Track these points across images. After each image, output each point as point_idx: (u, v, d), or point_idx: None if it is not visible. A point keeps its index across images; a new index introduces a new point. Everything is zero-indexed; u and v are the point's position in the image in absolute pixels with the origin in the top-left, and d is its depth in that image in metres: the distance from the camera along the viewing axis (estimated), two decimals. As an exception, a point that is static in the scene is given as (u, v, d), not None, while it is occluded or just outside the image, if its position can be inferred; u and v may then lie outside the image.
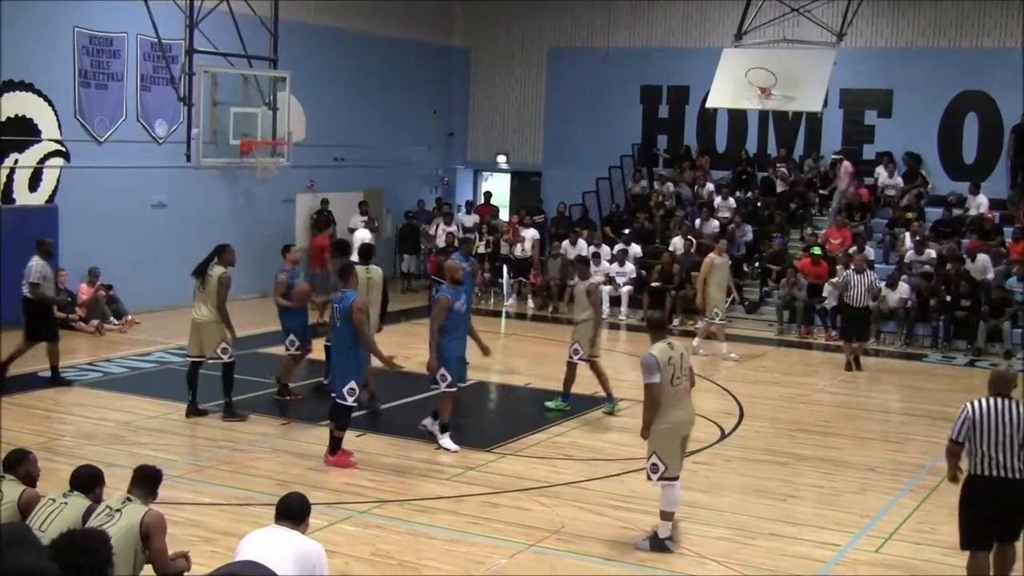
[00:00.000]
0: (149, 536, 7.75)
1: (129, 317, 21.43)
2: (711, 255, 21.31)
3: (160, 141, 23.25)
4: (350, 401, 13.04)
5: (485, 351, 15.02)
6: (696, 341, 21.00)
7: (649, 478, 10.82)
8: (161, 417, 15.16)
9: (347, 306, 13.04)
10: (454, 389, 13.84)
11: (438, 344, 13.62)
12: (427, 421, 14.28)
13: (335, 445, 13.17)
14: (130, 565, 7.70)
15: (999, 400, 9.44)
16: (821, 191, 27.63)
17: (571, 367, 16.25)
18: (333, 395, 13.29)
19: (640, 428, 10.89)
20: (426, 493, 12.28)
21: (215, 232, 22.63)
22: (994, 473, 9.27)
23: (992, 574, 9.62)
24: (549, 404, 16.39)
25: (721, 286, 21.10)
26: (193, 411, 15.15)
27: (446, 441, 13.95)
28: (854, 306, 20.16)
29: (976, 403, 9.44)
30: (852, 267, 20.72)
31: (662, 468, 10.67)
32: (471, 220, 29.12)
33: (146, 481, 8.11)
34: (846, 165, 26.89)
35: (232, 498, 11.89)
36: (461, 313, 13.97)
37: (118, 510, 7.76)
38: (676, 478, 10.85)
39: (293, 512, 7.54)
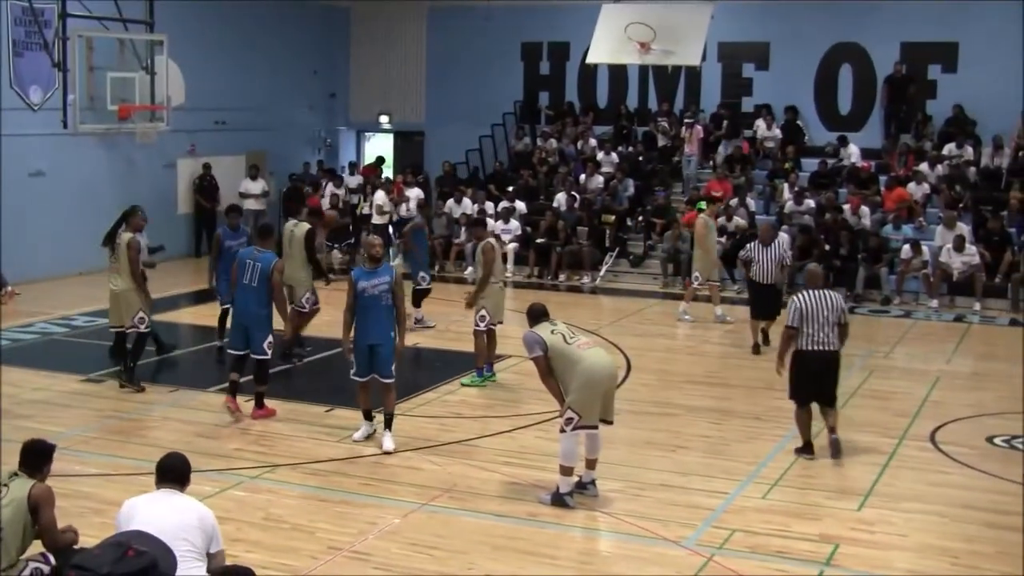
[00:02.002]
0: (37, 509, 7.68)
1: (9, 288, 20.97)
2: (702, 217, 20.27)
3: (35, 108, 22.67)
4: (270, 354, 13.61)
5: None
6: (683, 306, 20.42)
7: (563, 431, 10.76)
8: (46, 389, 14.90)
9: (268, 267, 13.40)
10: (359, 379, 12.63)
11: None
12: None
13: (260, 400, 13.65)
14: (19, 538, 7.64)
15: (816, 292, 12.36)
16: (675, 158, 27.81)
17: (477, 336, 15.41)
18: (244, 352, 13.54)
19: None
20: (317, 456, 12.26)
21: (96, 199, 22.31)
22: (816, 348, 12.19)
23: (828, 427, 12.49)
24: (464, 381, 15.53)
25: (712, 248, 20.18)
26: (127, 381, 14.83)
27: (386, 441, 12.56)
28: (761, 283, 17.67)
29: (801, 296, 12.34)
30: (757, 239, 18.17)
31: (576, 418, 10.67)
32: (355, 181, 28.98)
33: (35, 456, 8.00)
34: (697, 129, 27.09)
35: (122, 468, 11.76)
36: (371, 296, 12.36)
37: (5, 485, 7.68)
38: (595, 426, 10.86)
39: (177, 473, 7.48)
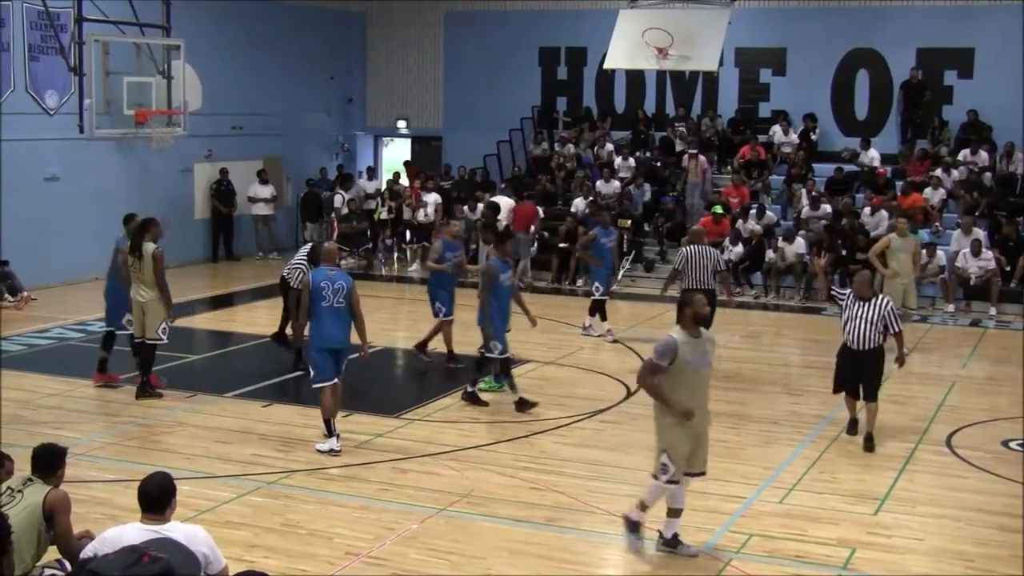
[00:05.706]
0: (53, 515, 7.64)
1: (25, 294, 21.02)
2: (891, 234, 18.90)
3: (51, 112, 22.74)
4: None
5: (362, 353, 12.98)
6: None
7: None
8: (61, 395, 14.93)
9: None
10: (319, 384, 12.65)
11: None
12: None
13: (103, 365, 15.36)
14: (34, 545, 7.60)
15: (697, 247, 16.21)
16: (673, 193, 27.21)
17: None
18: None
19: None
20: (335, 461, 12.26)
21: (112, 204, 22.27)
22: (698, 286, 15.35)
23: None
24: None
25: (901, 270, 18.14)
26: (142, 394, 14.79)
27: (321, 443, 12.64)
28: (855, 348, 13.07)
29: (687, 249, 16.28)
30: (851, 288, 13.51)
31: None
32: (372, 186, 29.04)
33: (47, 459, 7.97)
34: (701, 160, 26.78)
35: (138, 474, 11.64)
36: (332, 302, 12.49)
37: (19, 491, 7.64)
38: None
39: (157, 501, 6.95)
